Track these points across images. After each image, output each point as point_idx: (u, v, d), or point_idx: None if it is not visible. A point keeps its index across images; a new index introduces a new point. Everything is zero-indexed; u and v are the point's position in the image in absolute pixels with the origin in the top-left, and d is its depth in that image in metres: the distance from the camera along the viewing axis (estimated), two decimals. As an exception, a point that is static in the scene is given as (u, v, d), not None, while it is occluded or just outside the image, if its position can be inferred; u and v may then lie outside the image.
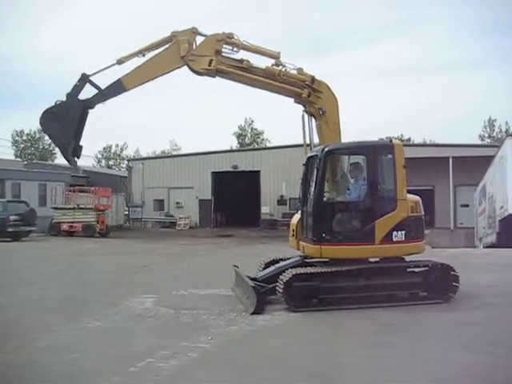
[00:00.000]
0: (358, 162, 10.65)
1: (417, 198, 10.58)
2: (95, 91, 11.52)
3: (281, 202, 38.42)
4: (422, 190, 13.20)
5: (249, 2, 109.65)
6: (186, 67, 11.72)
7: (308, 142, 11.65)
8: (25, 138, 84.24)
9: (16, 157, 77.23)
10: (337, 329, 8.53)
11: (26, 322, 8.97)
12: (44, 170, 45.04)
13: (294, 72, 11.43)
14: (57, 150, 76.81)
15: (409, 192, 10.43)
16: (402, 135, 72.22)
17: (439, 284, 10.14)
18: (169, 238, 30.60)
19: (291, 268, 10.14)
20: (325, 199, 10.33)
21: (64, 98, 11.24)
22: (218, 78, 11.75)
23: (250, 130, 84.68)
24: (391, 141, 11.04)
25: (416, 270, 10.38)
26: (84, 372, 6.46)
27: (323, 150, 10.32)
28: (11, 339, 7.86)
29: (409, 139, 70.52)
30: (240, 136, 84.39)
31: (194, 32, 11.19)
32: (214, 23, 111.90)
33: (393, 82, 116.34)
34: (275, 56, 11.45)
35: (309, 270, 9.94)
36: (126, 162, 63.91)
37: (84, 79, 11.17)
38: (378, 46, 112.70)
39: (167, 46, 11.55)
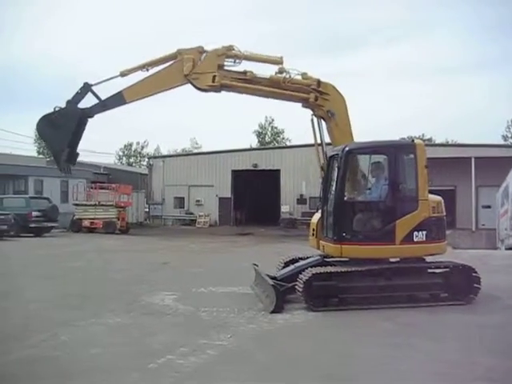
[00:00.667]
0: (380, 161, 10.60)
1: (439, 198, 10.50)
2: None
3: (300, 201, 38.33)
4: (443, 191, 13.08)
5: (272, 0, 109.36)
6: (189, 85, 11.54)
7: (319, 145, 11.54)
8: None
9: (39, 153, 78.03)
10: (356, 329, 8.48)
11: (48, 317, 9.07)
12: (66, 167, 45.40)
13: (299, 77, 11.26)
14: (79, 147, 77.71)
15: (430, 192, 10.35)
16: (423, 135, 71.50)
17: (460, 285, 10.05)
18: (188, 236, 30.71)
19: (311, 267, 10.13)
20: (346, 198, 10.30)
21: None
22: (223, 92, 11.59)
23: (270, 129, 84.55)
24: (413, 140, 10.99)
25: (437, 270, 10.30)
26: (104, 367, 6.52)
27: (344, 149, 10.28)
28: (33, 333, 7.97)
29: (430, 139, 69.82)
30: (260, 134, 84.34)
31: (200, 51, 11.03)
32: (238, 22, 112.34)
33: (414, 82, 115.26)
34: (278, 61, 11.27)
35: (329, 269, 9.92)
36: (146, 159, 64.24)
37: (86, 88, 11.16)
38: (399, 45, 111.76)
39: (171, 62, 11.42)
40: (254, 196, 43.23)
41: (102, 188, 36.05)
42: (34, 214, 28.70)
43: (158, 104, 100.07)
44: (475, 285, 10.07)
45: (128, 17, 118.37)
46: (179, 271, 15.19)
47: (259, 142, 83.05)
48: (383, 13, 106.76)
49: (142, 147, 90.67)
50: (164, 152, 78.50)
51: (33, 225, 28.56)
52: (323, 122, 11.52)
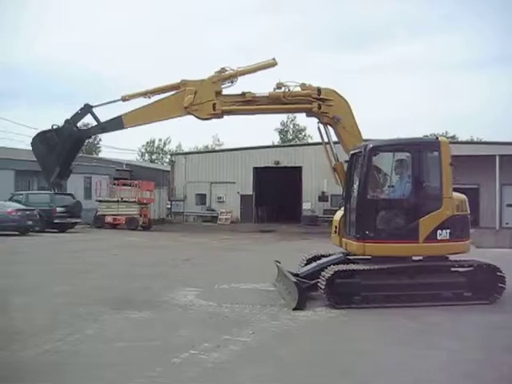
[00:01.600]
0: (403, 158, 10.54)
1: (463, 196, 10.41)
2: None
3: (322, 198, 38.19)
4: (466, 189, 12.95)
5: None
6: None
7: (327, 143, 11.48)
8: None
9: (63, 150, 78.84)
10: (379, 327, 8.46)
11: (74, 311, 9.19)
12: (89, 164, 45.95)
13: (298, 89, 11.05)
14: (102, 143, 78.44)
15: (454, 190, 10.26)
16: (446, 132, 70.84)
17: (484, 285, 9.96)
18: (210, 232, 30.84)
19: (333, 264, 10.13)
20: (369, 196, 10.26)
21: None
22: (225, 117, 11.39)
23: (292, 126, 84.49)
24: (437, 138, 10.92)
25: (460, 269, 10.23)
26: (128, 361, 6.60)
27: (367, 146, 10.25)
28: (60, 327, 8.10)
29: (453, 136, 69.10)
30: (282, 132, 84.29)
31: (202, 83, 10.85)
32: (264, 14, 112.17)
33: (435, 76, 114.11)
34: (272, 64, 11.04)
35: (351, 266, 9.91)
36: (168, 156, 64.60)
37: (86, 109, 11.15)
38: (423, 39, 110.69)
39: (174, 92, 11.29)
40: (275, 193, 43.17)
41: (124, 184, 36.33)
42: (59, 209, 29.07)
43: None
44: (500, 284, 9.97)
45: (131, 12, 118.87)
46: (201, 267, 15.28)
47: (281, 139, 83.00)
48: (405, 7, 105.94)
49: (165, 144, 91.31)
50: (186, 149, 78.78)
51: (57, 220, 28.93)
52: (330, 127, 11.47)
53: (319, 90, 10.99)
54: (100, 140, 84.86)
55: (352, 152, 10.95)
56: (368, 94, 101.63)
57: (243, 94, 11.04)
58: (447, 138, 31.45)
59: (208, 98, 10.66)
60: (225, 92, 11.21)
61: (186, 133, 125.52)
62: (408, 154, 10.44)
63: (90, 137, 11.61)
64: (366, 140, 11.12)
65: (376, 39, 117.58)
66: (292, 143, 69.59)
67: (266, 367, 6.48)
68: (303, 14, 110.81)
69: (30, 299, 10.23)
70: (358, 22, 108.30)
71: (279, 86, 10.96)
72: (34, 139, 11.35)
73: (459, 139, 61.97)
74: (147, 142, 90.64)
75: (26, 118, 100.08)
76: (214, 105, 10.71)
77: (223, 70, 10.88)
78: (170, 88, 11.73)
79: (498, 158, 30.68)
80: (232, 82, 10.94)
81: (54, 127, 11.49)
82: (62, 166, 10.75)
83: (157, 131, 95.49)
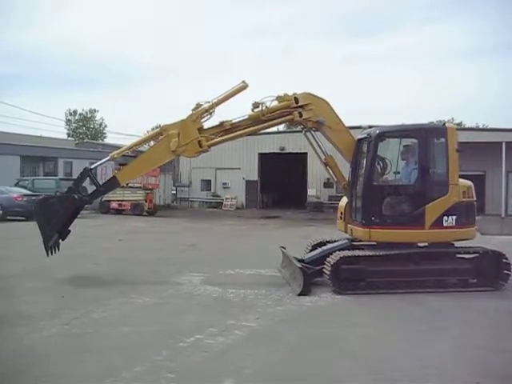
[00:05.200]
0: (410, 144, 10.50)
1: (469, 182, 10.38)
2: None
3: (327, 184, 38.04)
4: (472, 176, 12.88)
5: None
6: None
7: (321, 152, 11.46)
8: (77, 117, 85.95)
9: (68, 136, 79.03)
10: (384, 312, 8.48)
11: (80, 296, 9.27)
12: (94, 149, 46.00)
13: (276, 103, 10.84)
14: (107, 129, 78.45)
15: (460, 177, 10.23)
16: (452, 119, 70.50)
17: (490, 271, 9.97)
18: (215, 218, 30.88)
19: (339, 250, 10.13)
20: (375, 182, 10.24)
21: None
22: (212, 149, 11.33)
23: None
24: (444, 124, 10.87)
25: (466, 256, 10.22)
26: (134, 345, 6.66)
27: (374, 132, 10.21)
28: (67, 311, 8.17)
29: (460, 123, 68.77)
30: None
31: (183, 125, 10.80)
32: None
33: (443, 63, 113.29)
34: (244, 87, 10.83)
35: (357, 252, 9.92)
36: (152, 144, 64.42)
37: (85, 173, 11.39)
38: (430, 26, 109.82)
39: (158, 140, 11.33)
40: (280, 179, 43.09)
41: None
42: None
43: (185, 86, 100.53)
44: (505, 271, 9.98)
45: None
46: (207, 253, 15.31)
47: (286, 125, 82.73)
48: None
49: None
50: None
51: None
52: (317, 132, 11.40)
53: (296, 98, 10.81)
54: (106, 126, 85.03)
55: (359, 138, 10.91)
56: (370, 82, 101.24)
57: (221, 124, 10.94)
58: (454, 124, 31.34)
59: (192, 136, 10.70)
60: (205, 125, 11.15)
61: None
62: (415, 140, 10.41)
63: (92, 203, 12.18)
64: (370, 127, 11.03)
65: (379, 29, 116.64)
66: (297, 129, 69.31)
67: (272, 352, 6.51)
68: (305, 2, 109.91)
69: (38, 283, 10.30)
70: (358, 11, 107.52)
71: (256, 105, 10.78)
72: (36, 206, 11.66)
73: (466, 126, 61.76)
74: (152, 128, 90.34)
75: (32, 104, 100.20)
76: (199, 142, 10.76)
77: (198, 105, 10.82)
78: (152, 137, 12.00)
79: (504, 145, 30.50)
80: (210, 114, 10.90)
81: (58, 194, 11.87)
82: (61, 231, 11.00)
83: (162, 116, 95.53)
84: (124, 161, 14.34)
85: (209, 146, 10.87)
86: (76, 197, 11.15)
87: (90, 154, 43.01)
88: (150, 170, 13.11)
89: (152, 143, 12.34)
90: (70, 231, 11.25)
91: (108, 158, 11.62)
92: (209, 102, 10.76)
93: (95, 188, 11.51)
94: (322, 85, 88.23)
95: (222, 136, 10.91)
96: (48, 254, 10.68)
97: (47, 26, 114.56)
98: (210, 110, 10.80)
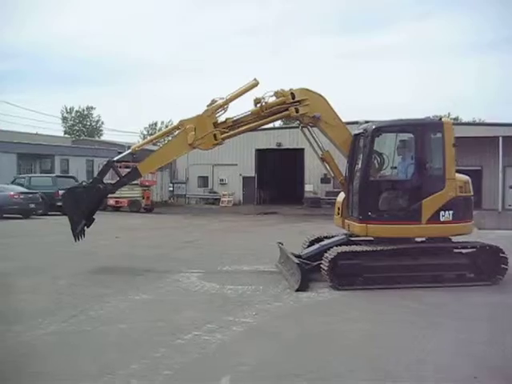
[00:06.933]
0: (406, 139, 10.49)
1: (466, 177, 10.38)
2: None
3: (324, 180, 38.07)
4: (469, 171, 12.87)
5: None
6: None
7: (317, 147, 11.56)
8: (73, 114, 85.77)
9: (65, 133, 78.90)
10: (382, 308, 8.48)
11: (78, 293, 9.25)
12: (91, 146, 45.92)
13: (273, 99, 11.08)
14: (104, 126, 78.36)
15: (457, 172, 10.22)
16: (449, 114, 70.51)
17: (487, 266, 9.98)
18: (212, 215, 30.88)
19: (336, 246, 10.13)
20: (371, 177, 10.23)
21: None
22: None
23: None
24: (441, 119, 10.85)
25: (463, 250, 10.23)
26: (132, 342, 6.63)
27: (371, 127, 10.20)
28: (64, 308, 8.15)
29: (457, 118, 68.81)
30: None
31: (199, 120, 11.23)
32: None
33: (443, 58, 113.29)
34: (255, 84, 11.15)
35: (354, 248, 9.92)
36: (170, 138, 64.41)
37: (109, 165, 12.04)
38: (426, 22, 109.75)
39: (176, 133, 11.85)
40: (277, 175, 43.13)
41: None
42: (61, 192, 28.96)
43: (184, 83, 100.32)
44: (502, 265, 9.99)
45: None
46: (204, 249, 15.30)
47: (282, 120, 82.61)
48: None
49: (167, 126, 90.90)
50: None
51: (59, 203, 28.81)
52: (314, 127, 11.46)
53: (292, 94, 10.95)
54: (102, 123, 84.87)
55: (355, 133, 10.90)
56: (366, 78, 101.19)
57: (225, 120, 11.35)
58: (450, 119, 31.34)
59: (207, 130, 11.16)
60: (220, 119, 11.62)
61: (187, 115, 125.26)
62: (411, 135, 10.40)
63: (115, 192, 13.96)
64: (367, 122, 11.03)
65: (376, 24, 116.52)
66: (294, 125, 69.26)
67: (269, 348, 6.50)
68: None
69: (35, 281, 10.27)
70: (355, 7, 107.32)
71: (257, 101, 11.07)
72: (63, 196, 12.29)
73: (462, 121, 61.77)
74: (149, 125, 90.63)
75: (29, 101, 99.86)
76: (214, 135, 11.19)
77: (213, 101, 11.29)
78: (170, 131, 12.69)
79: (501, 140, 30.50)
80: (224, 109, 11.33)
81: (84, 184, 12.82)
82: (87, 218, 11.79)
83: (159, 114, 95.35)
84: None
85: (223, 139, 11.35)
86: (101, 186, 11.86)
87: (88, 151, 42.98)
88: (168, 162, 14.13)
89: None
90: (94, 219, 12.01)
91: (130, 150, 12.39)
92: (223, 99, 11.22)
93: (118, 179, 12.13)
94: (319, 81, 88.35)
95: (234, 130, 11.36)
96: (76, 240, 11.46)
97: (46, 24, 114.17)
98: (224, 106, 11.25)
